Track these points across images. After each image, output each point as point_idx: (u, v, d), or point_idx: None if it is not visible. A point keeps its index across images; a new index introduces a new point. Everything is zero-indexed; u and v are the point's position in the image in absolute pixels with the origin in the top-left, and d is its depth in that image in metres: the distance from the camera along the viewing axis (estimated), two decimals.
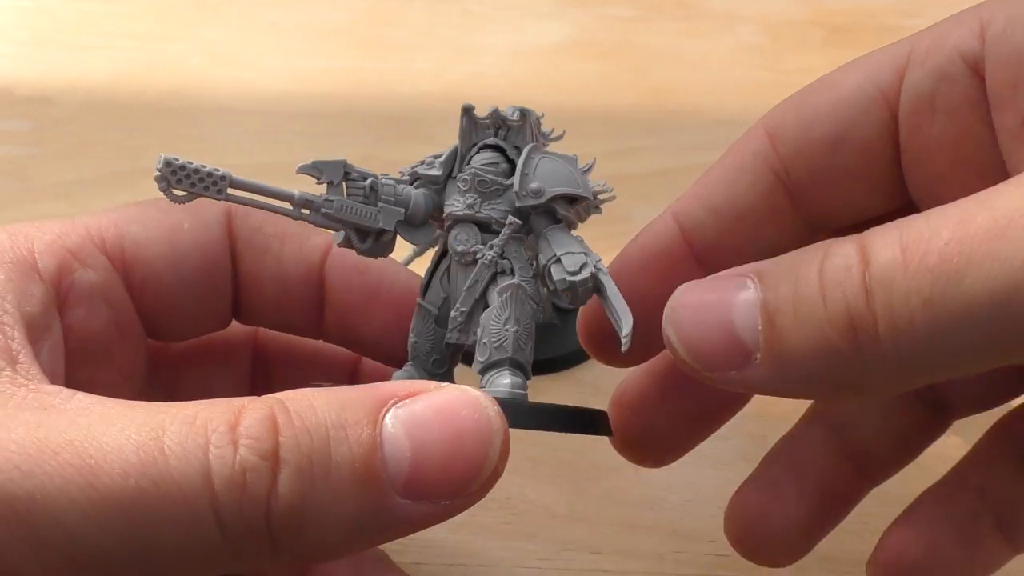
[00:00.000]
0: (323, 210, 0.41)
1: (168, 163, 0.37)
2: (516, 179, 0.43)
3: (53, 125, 0.83)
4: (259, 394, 0.43)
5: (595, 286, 0.42)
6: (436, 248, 0.45)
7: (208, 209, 0.48)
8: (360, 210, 0.42)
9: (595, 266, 0.43)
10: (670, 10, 0.97)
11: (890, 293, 0.33)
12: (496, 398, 0.37)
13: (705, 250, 0.46)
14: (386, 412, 0.35)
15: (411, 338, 0.45)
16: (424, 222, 0.44)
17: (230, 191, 0.39)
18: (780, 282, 0.36)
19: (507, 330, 0.42)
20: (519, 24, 0.95)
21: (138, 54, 0.90)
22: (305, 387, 0.36)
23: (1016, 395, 0.48)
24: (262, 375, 0.52)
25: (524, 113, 0.44)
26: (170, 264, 0.47)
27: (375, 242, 0.43)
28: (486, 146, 0.44)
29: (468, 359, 0.44)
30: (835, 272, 0.35)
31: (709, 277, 0.39)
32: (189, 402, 0.35)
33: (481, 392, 0.36)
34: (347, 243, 0.42)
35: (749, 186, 0.46)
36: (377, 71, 0.90)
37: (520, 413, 0.39)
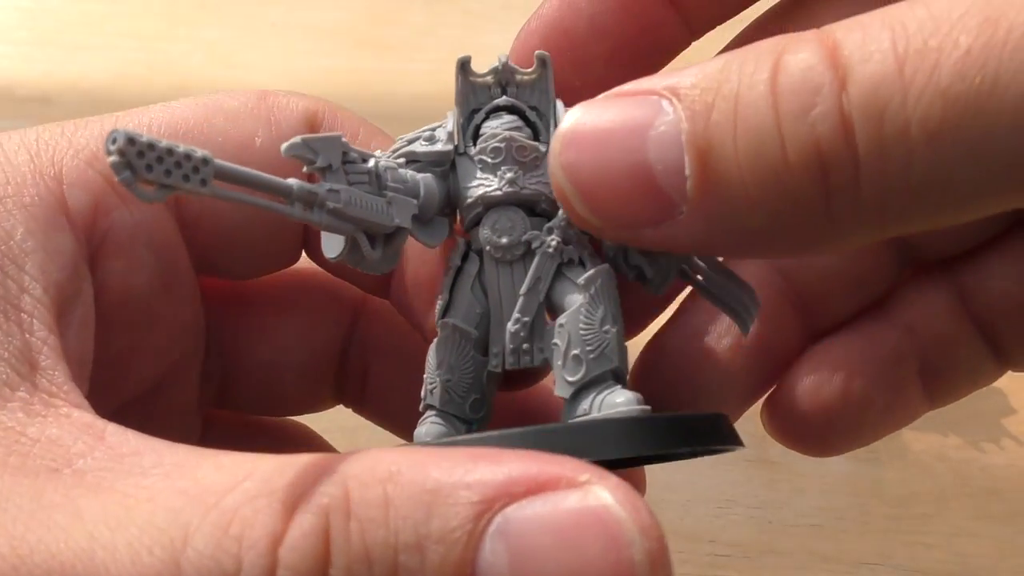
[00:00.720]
0: (329, 204, 0.30)
1: (131, 140, 0.25)
2: None
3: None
4: (341, 346, 0.39)
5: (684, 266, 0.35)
6: (453, 253, 0.36)
7: (284, 116, 0.38)
8: (370, 203, 0.31)
9: None
10: None
11: (880, 124, 0.25)
12: (628, 418, 0.30)
13: None
14: (491, 520, 0.24)
15: (438, 377, 0.34)
16: (434, 216, 0.35)
17: (214, 182, 0.28)
18: (712, 105, 0.27)
19: (606, 332, 0.33)
20: (519, 24, 0.95)
21: (138, 54, 0.90)
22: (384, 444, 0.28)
23: (986, 236, 0.40)
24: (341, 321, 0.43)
25: (543, 60, 0.35)
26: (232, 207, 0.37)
27: (385, 248, 0.33)
28: (498, 108, 0.35)
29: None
30: (795, 92, 0.26)
31: (607, 93, 0.30)
32: (231, 466, 0.26)
33: (623, 498, 0.24)
34: (350, 253, 0.32)
35: None
36: (377, 71, 0.90)
37: (676, 433, 0.31)
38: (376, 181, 0.32)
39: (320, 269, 0.42)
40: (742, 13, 0.40)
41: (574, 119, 0.30)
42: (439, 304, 0.35)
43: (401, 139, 0.36)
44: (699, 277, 0.35)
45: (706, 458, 0.62)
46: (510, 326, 0.34)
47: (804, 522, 0.58)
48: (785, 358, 0.39)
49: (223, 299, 0.41)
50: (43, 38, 0.91)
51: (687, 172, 0.27)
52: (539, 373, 0.37)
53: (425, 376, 0.35)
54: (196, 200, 0.36)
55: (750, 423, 0.56)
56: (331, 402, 0.45)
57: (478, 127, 0.35)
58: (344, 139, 0.32)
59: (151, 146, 0.26)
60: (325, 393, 0.44)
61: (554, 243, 0.33)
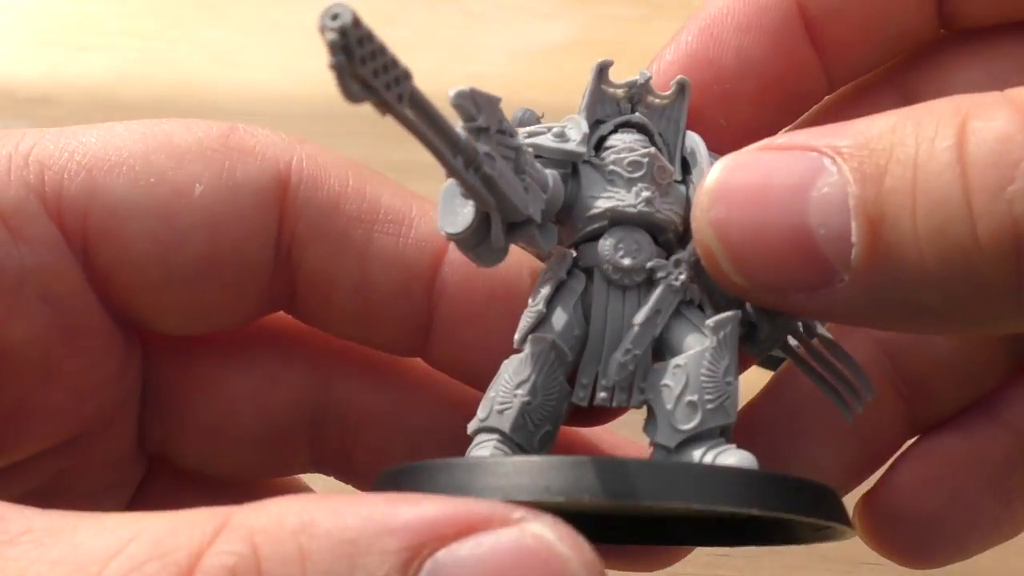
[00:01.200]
0: (485, 169, 0.26)
1: (357, 21, 0.22)
2: (704, 175, 0.30)
3: (53, 126, 0.83)
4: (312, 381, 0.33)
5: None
6: (550, 264, 0.32)
7: (243, 165, 0.32)
8: (515, 181, 0.28)
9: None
10: (670, 10, 0.97)
11: None
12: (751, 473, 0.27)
13: (823, 18, 0.34)
14: (420, 566, 0.22)
15: (515, 398, 0.30)
16: (549, 219, 0.31)
17: (407, 107, 0.25)
18: (885, 169, 0.24)
19: (728, 384, 0.30)
20: (519, 24, 0.95)
21: (139, 54, 0.90)
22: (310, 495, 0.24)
23: None
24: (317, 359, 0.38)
25: (682, 86, 0.33)
26: (160, 251, 0.32)
27: (507, 234, 0.29)
28: (628, 124, 0.33)
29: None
30: (989, 164, 0.23)
31: (758, 145, 0.28)
32: (114, 528, 0.23)
33: (564, 534, 0.22)
34: (474, 233, 0.28)
35: None
36: None
37: (804, 498, 0.28)
38: (519, 160, 0.28)
39: (288, 319, 0.37)
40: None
41: (725, 172, 0.27)
42: (529, 316, 0.31)
43: (520, 130, 0.32)
44: (804, 351, 0.32)
45: None
46: (619, 356, 0.30)
47: None
48: (884, 449, 0.37)
49: (162, 348, 0.37)
50: (44, 38, 0.91)
51: (853, 239, 0.25)
52: (615, 413, 0.34)
53: (492, 393, 0.31)
54: (110, 249, 0.31)
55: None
56: (305, 469, 0.39)
57: (603, 139, 0.32)
58: (500, 104, 0.28)
59: (370, 37, 0.23)
60: (293, 462, 0.38)
61: (683, 278, 0.31)
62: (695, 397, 0.29)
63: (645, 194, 0.31)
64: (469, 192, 0.27)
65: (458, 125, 0.27)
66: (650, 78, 0.32)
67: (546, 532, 0.22)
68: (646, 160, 0.31)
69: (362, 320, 0.34)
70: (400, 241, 0.33)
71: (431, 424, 0.37)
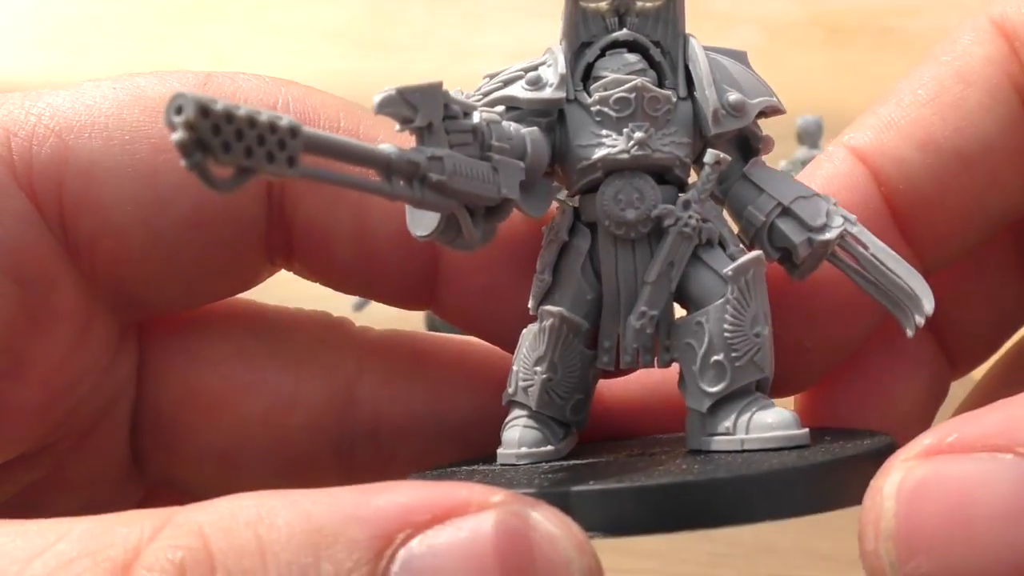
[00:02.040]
0: (432, 177, 0.24)
1: (204, 110, 0.19)
2: (707, 88, 0.28)
3: None
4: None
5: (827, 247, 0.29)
6: (554, 221, 0.29)
7: None
8: (476, 170, 0.25)
9: (842, 215, 0.28)
10: None
11: None
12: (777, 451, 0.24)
13: (912, 209, 0.30)
14: (393, 555, 0.20)
15: (535, 375, 0.28)
16: (539, 179, 0.28)
17: (302, 159, 0.21)
18: None
19: (757, 336, 0.27)
20: (519, 25, 0.96)
21: (140, 55, 0.90)
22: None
23: None
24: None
25: None
26: (143, 213, 0.28)
27: (485, 224, 0.27)
28: (616, 44, 0.29)
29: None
30: None
31: (927, 450, 0.22)
32: (39, 532, 0.21)
33: (551, 515, 0.21)
34: (443, 232, 0.26)
35: (983, 109, 0.30)
36: (377, 71, 0.90)
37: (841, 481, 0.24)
38: (481, 140, 0.26)
39: (301, 331, 0.33)
40: None
41: (906, 504, 0.22)
42: (537, 284, 0.29)
43: (492, 78, 0.29)
44: (854, 261, 0.29)
45: None
46: (633, 321, 0.28)
47: (803, 520, 0.58)
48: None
49: (162, 360, 0.33)
50: (45, 39, 0.91)
51: None
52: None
53: (515, 368, 0.29)
54: (89, 217, 0.28)
55: None
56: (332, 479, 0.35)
57: (590, 66, 0.29)
58: (444, 88, 0.25)
59: (228, 117, 0.20)
60: (320, 482, 0.36)
61: (693, 222, 0.27)
62: (721, 356, 0.27)
63: (638, 135, 0.27)
64: (420, 206, 0.25)
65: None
66: None
67: (531, 513, 0.20)
68: (633, 96, 0.27)
69: (364, 272, 0.31)
70: None
71: (462, 420, 0.34)
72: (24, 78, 0.87)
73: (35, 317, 0.29)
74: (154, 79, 0.30)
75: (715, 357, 0.27)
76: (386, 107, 0.24)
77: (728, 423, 0.27)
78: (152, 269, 0.30)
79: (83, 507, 0.30)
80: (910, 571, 0.22)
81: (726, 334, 0.27)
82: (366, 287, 0.32)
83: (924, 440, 0.22)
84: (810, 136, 0.75)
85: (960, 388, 0.41)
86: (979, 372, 0.41)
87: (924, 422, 0.35)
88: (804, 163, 0.75)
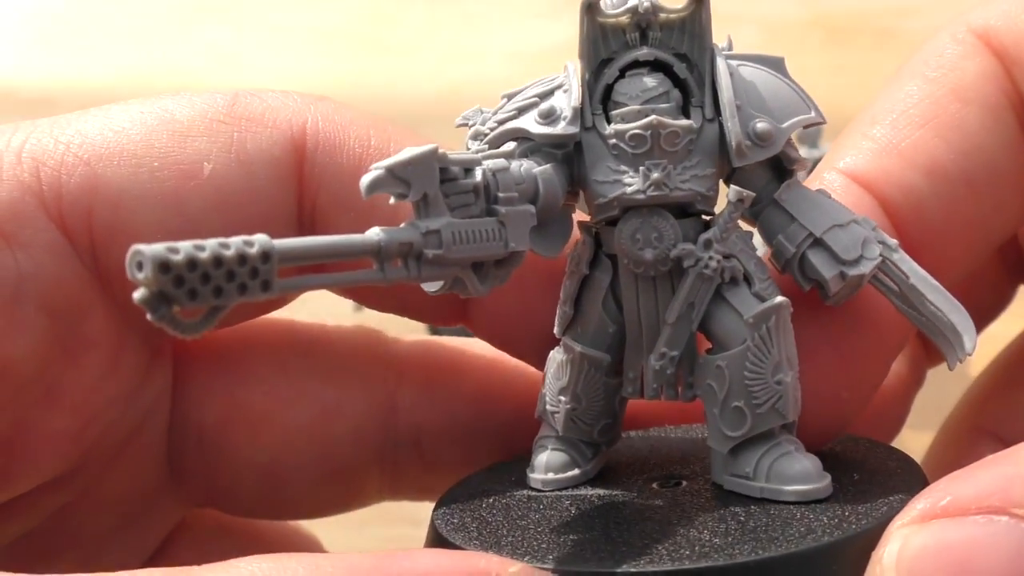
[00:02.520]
0: (428, 254, 0.23)
1: (164, 265, 0.19)
2: (729, 119, 0.26)
3: None
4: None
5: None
6: (575, 252, 0.28)
7: (253, 135, 0.29)
8: (478, 232, 0.24)
9: (880, 240, 0.27)
10: None
11: None
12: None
13: (921, 236, 0.29)
14: None
15: (560, 405, 0.28)
16: (556, 216, 0.27)
17: (277, 276, 0.21)
18: None
19: (779, 384, 0.26)
20: (519, 25, 0.96)
21: (140, 55, 0.90)
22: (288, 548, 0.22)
23: None
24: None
25: None
26: (173, 240, 0.29)
27: (496, 271, 0.26)
28: (637, 64, 0.27)
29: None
30: None
31: (924, 514, 0.23)
32: None
33: None
34: (451, 288, 0.25)
35: (985, 130, 0.29)
36: (377, 72, 0.90)
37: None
38: (484, 196, 0.25)
39: (340, 343, 0.33)
40: None
41: (907, 572, 0.22)
42: (561, 314, 0.28)
43: (509, 100, 0.28)
44: (896, 286, 0.28)
45: None
46: (654, 361, 0.27)
47: None
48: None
49: (200, 377, 0.33)
50: (45, 40, 0.91)
51: None
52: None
53: (544, 388, 0.29)
54: (119, 245, 0.28)
55: None
56: (378, 499, 0.36)
57: (609, 87, 0.27)
58: (441, 150, 0.24)
59: (192, 264, 0.19)
60: (363, 495, 0.35)
61: (713, 263, 0.26)
62: (741, 402, 0.26)
63: (655, 175, 0.26)
64: (419, 282, 0.24)
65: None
66: (654, 1, 0.27)
67: None
68: (648, 133, 0.26)
69: (400, 291, 0.29)
70: None
71: (501, 422, 0.34)
72: (24, 78, 0.87)
73: (67, 346, 0.28)
74: (182, 101, 0.30)
75: (735, 403, 0.26)
76: (376, 188, 0.23)
77: (749, 468, 0.26)
78: None
79: (117, 526, 0.33)
80: None
81: (746, 381, 0.26)
82: (401, 305, 0.32)
83: (918, 504, 0.22)
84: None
85: (955, 384, 0.41)
86: (975, 368, 0.41)
87: (903, 406, 0.35)
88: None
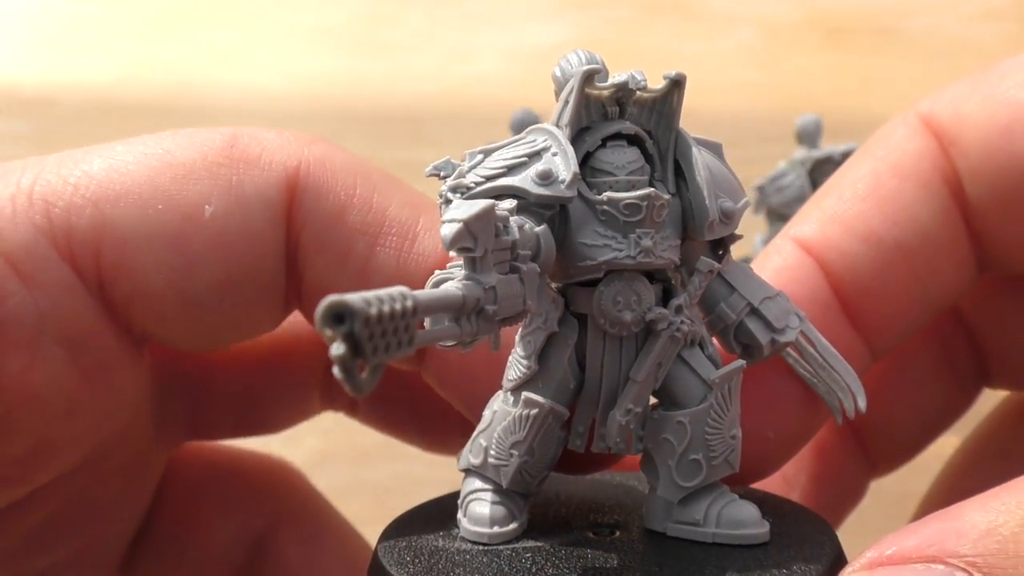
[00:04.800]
0: (488, 308, 0.24)
1: (367, 320, 0.20)
2: (706, 197, 0.29)
3: (55, 126, 0.84)
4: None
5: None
6: (545, 312, 0.29)
7: (251, 177, 0.30)
8: (512, 289, 0.25)
9: (795, 313, 0.31)
10: (668, 12, 0.98)
11: None
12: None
13: (858, 298, 0.33)
14: None
15: (512, 457, 0.29)
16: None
17: (415, 335, 0.22)
18: None
19: (733, 438, 0.29)
20: (519, 26, 0.96)
21: (139, 55, 0.90)
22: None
23: None
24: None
25: (677, 81, 0.29)
26: (175, 278, 0.31)
27: (503, 326, 0.27)
28: (618, 136, 0.29)
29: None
30: None
31: (871, 562, 0.26)
32: None
33: None
34: (465, 349, 0.26)
35: (918, 201, 0.33)
36: (377, 72, 0.90)
37: None
38: (514, 253, 0.26)
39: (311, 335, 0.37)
40: None
41: None
42: (520, 367, 0.29)
43: (485, 156, 0.28)
44: (798, 355, 0.31)
45: None
46: (619, 417, 0.29)
47: None
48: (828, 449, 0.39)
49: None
50: (45, 40, 0.91)
51: None
52: (612, 458, 0.33)
53: (484, 441, 0.30)
54: (126, 281, 0.30)
55: None
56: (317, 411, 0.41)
57: (589, 154, 0.28)
58: (497, 205, 0.25)
59: (379, 319, 0.20)
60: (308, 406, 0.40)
61: (684, 327, 0.28)
62: (699, 456, 0.29)
63: (645, 243, 0.28)
64: (473, 338, 0.25)
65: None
66: (642, 80, 0.29)
67: None
68: (644, 204, 0.27)
69: None
70: (401, 256, 0.31)
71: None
72: (26, 79, 0.87)
73: (84, 371, 0.31)
74: (182, 141, 0.32)
75: (693, 456, 0.29)
76: (458, 242, 0.24)
77: (699, 515, 0.29)
78: (183, 325, 0.32)
79: (121, 488, 0.36)
80: None
81: (707, 436, 0.29)
82: None
83: (868, 553, 0.26)
84: (809, 136, 0.75)
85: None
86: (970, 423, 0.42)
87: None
88: (803, 163, 0.75)
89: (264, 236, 0.30)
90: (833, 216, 0.33)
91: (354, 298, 0.19)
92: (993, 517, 0.24)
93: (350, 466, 0.68)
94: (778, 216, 0.69)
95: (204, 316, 0.32)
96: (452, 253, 0.25)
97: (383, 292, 0.20)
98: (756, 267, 0.32)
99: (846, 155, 0.79)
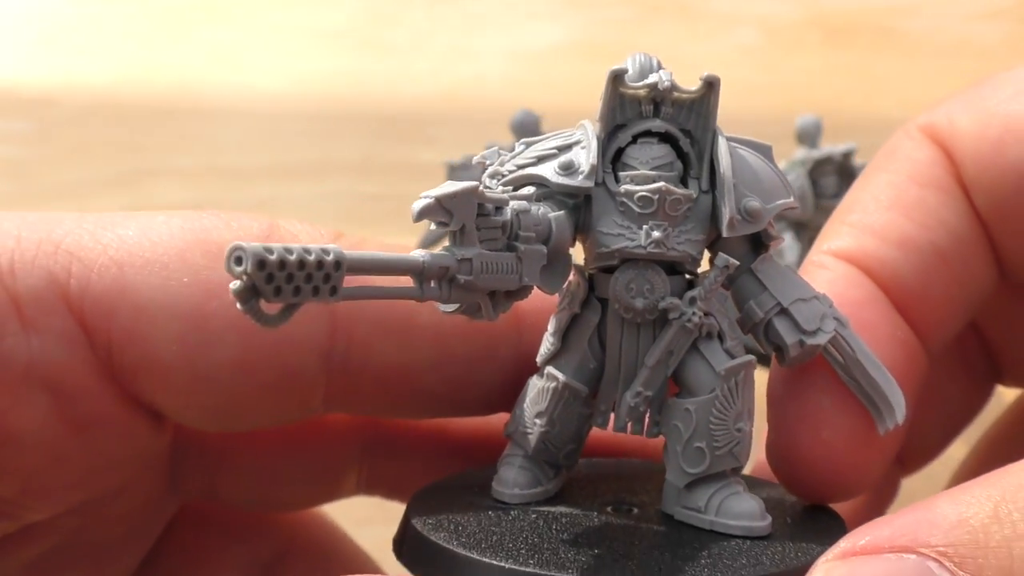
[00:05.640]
0: (460, 279, 0.27)
1: (261, 262, 0.22)
2: (727, 195, 0.30)
3: (56, 126, 0.84)
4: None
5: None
6: (569, 290, 0.31)
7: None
8: (500, 265, 0.28)
9: (835, 316, 0.31)
10: (668, 12, 0.98)
11: None
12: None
13: (906, 302, 0.33)
14: None
15: (535, 427, 0.31)
16: (560, 256, 0.30)
17: (342, 291, 0.24)
18: (1010, 569, 0.24)
19: (739, 431, 0.30)
20: (519, 26, 0.96)
21: (140, 55, 0.90)
22: None
23: None
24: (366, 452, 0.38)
25: (711, 82, 0.30)
26: (187, 352, 0.30)
27: (506, 300, 0.29)
28: (649, 133, 0.30)
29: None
30: None
31: (844, 551, 0.26)
32: None
33: None
34: (467, 311, 0.28)
35: (942, 206, 0.34)
36: (377, 72, 0.90)
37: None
38: (509, 232, 0.28)
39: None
40: None
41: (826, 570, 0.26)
42: (547, 344, 0.31)
43: (528, 147, 0.30)
44: (841, 358, 0.31)
45: None
46: (629, 398, 0.30)
47: None
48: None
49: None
50: (47, 40, 0.91)
51: None
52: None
53: (517, 410, 0.32)
54: (134, 350, 0.30)
55: None
56: (353, 493, 0.40)
57: (621, 150, 0.30)
58: (480, 188, 0.27)
59: (282, 264, 0.22)
60: (342, 490, 0.39)
61: (695, 318, 0.29)
62: (703, 443, 0.30)
63: (656, 234, 0.29)
64: (446, 302, 0.27)
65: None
66: (671, 81, 0.30)
67: None
68: (656, 197, 0.29)
69: (446, 392, 0.34)
70: (403, 337, 0.33)
71: (466, 437, 0.37)
72: (27, 79, 0.87)
73: (72, 422, 0.31)
74: (220, 223, 0.32)
75: (698, 443, 0.30)
76: (425, 215, 0.26)
77: (701, 502, 0.30)
78: (190, 401, 0.32)
79: (126, 534, 0.36)
80: None
81: (711, 426, 0.29)
82: (448, 406, 0.35)
83: (841, 543, 0.26)
84: (809, 136, 0.75)
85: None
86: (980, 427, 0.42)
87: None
88: (803, 163, 0.75)
89: (296, 327, 0.30)
90: (864, 228, 0.33)
91: (254, 244, 0.22)
92: (964, 509, 0.25)
93: None
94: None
95: (217, 393, 0.31)
96: (432, 226, 0.27)
97: (299, 245, 0.23)
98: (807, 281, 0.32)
99: (846, 155, 0.80)
